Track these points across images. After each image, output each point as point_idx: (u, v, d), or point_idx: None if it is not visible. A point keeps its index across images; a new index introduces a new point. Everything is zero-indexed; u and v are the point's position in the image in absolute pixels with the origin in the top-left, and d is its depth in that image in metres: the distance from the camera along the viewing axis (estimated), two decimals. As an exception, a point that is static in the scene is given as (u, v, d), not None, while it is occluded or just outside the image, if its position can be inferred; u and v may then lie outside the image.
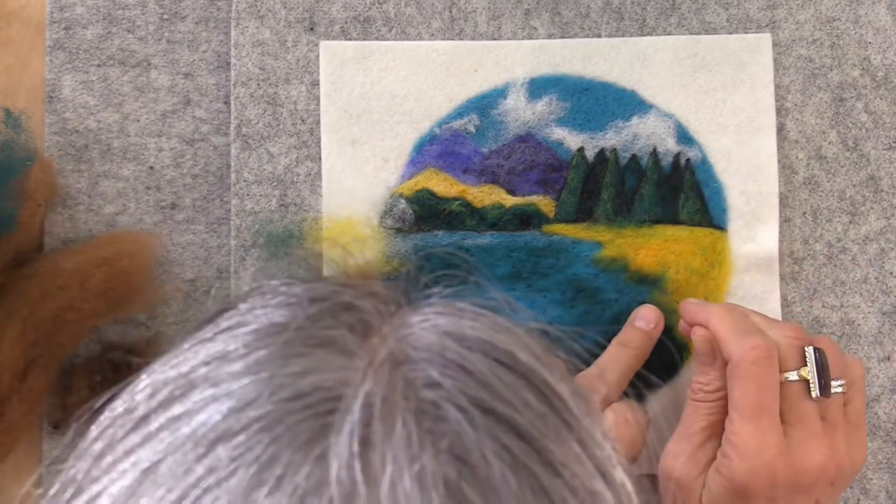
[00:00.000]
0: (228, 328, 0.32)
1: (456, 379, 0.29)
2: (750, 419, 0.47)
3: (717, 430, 0.50)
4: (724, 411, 0.50)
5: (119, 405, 0.31)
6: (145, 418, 0.30)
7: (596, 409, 0.33)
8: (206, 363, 0.30)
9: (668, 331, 0.56)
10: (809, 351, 0.49)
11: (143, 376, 0.32)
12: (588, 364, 0.56)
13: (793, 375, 0.49)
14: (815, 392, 0.48)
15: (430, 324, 0.31)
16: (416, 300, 0.33)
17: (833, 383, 0.49)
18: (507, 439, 0.28)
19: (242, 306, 0.32)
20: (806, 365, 0.49)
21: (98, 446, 0.30)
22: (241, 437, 0.28)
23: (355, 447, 0.27)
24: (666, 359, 0.56)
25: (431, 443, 0.27)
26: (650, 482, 0.57)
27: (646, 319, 0.54)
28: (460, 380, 0.29)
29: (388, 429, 0.27)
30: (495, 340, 0.31)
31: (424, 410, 0.28)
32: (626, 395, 0.56)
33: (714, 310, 0.51)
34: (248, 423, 0.28)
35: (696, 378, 0.51)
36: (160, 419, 0.29)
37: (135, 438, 0.29)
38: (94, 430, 0.31)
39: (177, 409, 0.29)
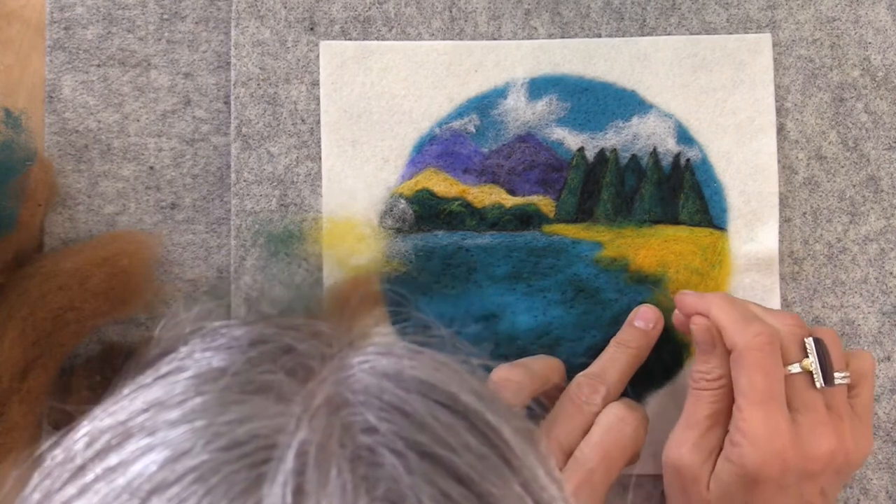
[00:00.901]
0: (168, 373, 0.31)
1: (393, 422, 0.29)
2: (759, 406, 0.47)
3: (720, 418, 0.50)
4: (727, 399, 0.50)
5: (58, 454, 0.31)
6: (82, 468, 0.29)
7: (542, 448, 0.32)
8: (144, 410, 0.30)
9: (669, 330, 0.56)
10: (810, 342, 0.49)
11: (84, 423, 0.31)
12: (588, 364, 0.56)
13: (795, 368, 0.49)
14: (819, 382, 0.49)
15: (369, 365, 0.31)
16: (359, 340, 0.33)
17: (837, 374, 0.50)
18: (445, 483, 0.28)
19: (183, 350, 0.32)
20: (807, 356, 0.49)
21: (36, 497, 0.30)
22: (176, 489, 0.27)
23: (289, 497, 0.26)
24: (667, 358, 0.56)
25: (366, 490, 0.27)
26: (651, 483, 0.57)
27: (644, 319, 0.54)
28: (398, 423, 0.29)
29: (323, 477, 0.27)
30: (436, 381, 0.31)
31: (360, 456, 0.28)
32: (626, 394, 0.56)
33: (714, 299, 0.51)
34: (184, 473, 0.28)
35: (697, 367, 0.51)
36: (96, 469, 0.29)
37: (71, 490, 0.29)
38: (35, 478, 0.31)
39: (113, 460, 0.29)
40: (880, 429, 0.57)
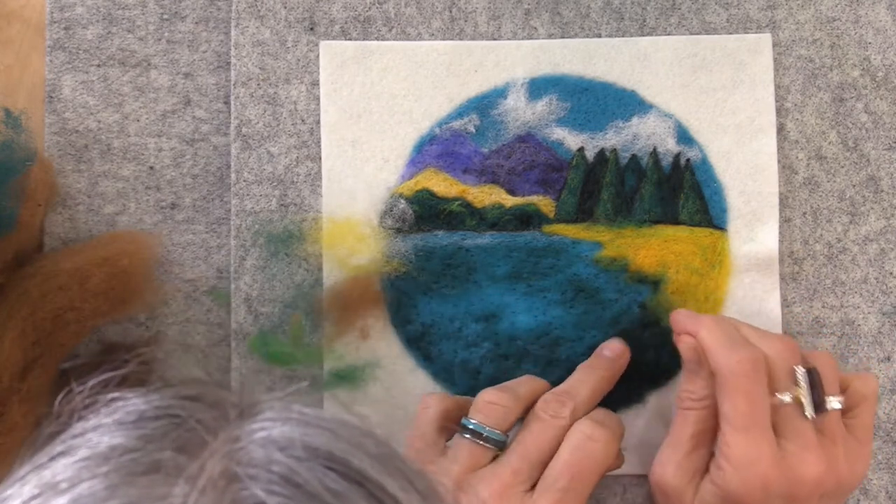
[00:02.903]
0: (61, 454, 0.31)
1: (283, 495, 0.29)
2: (741, 431, 0.48)
3: (705, 437, 0.50)
4: (713, 419, 0.50)
5: None
6: None
7: None
8: (35, 496, 0.30)
9: (667, 333, 0.56)
10: (800, 371, 0.49)
11: None
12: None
13: (786, 397, 0.49)
14: (809, 413, 0.49)
15: (261, 435, 0.31)
16: (253, 407, 0.33)
17: (830, 399, 0.49)
18: None
19: (77, 427, 0.32)
20: (798, 385, 0.49)
21: None
22: None
23: None
24: (667, 358, 0.56)
25: None
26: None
27: (612, 349, 0.55)
28: (288, 495, 0.29)
29: None
30: (330, 447, 0.31)
31: None
32: (626, 393, 0.56)
33: (703, 320, 0.51)
34: None
35: (683, 386, 0.51)
36: None
37: None
38: None
39: None
40: (880, 429, 0.57)
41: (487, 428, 0.50)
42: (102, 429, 0.31)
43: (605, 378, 0.53)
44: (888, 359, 0.57)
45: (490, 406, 0.51)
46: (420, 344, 0.56)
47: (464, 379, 0.55)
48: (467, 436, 0.50)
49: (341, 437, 0.31)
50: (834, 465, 0.49)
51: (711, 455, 0.50)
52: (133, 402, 0.32)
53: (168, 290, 0.57)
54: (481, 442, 0.50)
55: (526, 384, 0.53)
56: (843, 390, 0.51)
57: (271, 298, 0.56)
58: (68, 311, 0.52)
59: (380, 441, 0.33)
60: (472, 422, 0.50)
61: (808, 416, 0.48)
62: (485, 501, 0.48)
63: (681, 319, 0.52)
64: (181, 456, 0.30)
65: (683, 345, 0.51)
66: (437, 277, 0.56)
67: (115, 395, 0.33)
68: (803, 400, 0.49)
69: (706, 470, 0.49)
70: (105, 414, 0.32)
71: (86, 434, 0.32)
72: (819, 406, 0.49)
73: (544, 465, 0.49)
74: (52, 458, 0.31)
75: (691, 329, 0.51)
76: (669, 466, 0.50)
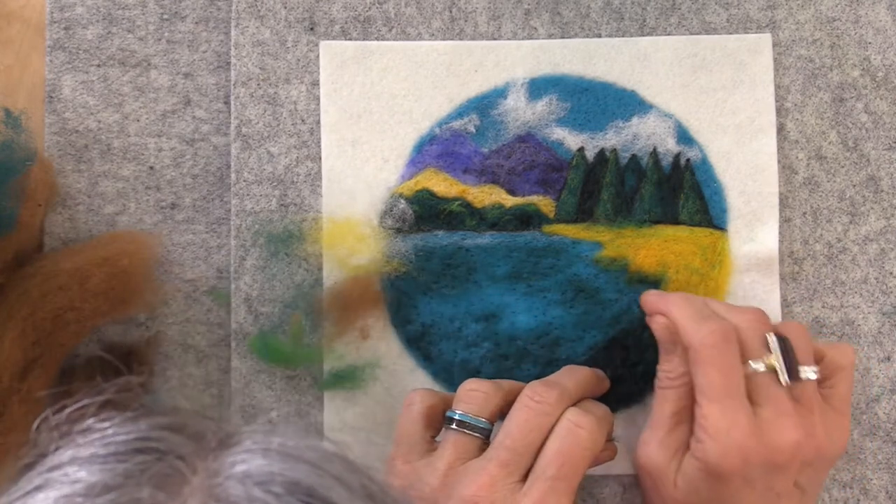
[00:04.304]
0: (38, 488, 0.30)
1: None
2: (716, 401, 0.48)
3: (685, 415, 0.50)
4: (691, 396, 0.50)
5: None
6: None
7: None
8: None
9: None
10: (772, 338, 0.50)
11: None
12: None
13: (759, 365, 0.49)
14: (783, 378, 0.49)
15: (240, 469, 0.30)
16: (233, 438, 0.32)
17: (805, 368, 0.50)
18: None
19: (54, 458, 0.31)
20: (771, 352, 0.49)
21: None
22: None
23: None
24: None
25: None
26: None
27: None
28: None
29: None
30: (309, 482, 0.30)
31: None
32: (625, 393, 0.56)
33: (672, 298, 0.52)
34: None
35: (660, 366, 0.52)
36: None
37: None
38: None
39: None
40: (880, 429, 0.57)
41: (470, 416, 0.50)
42: (80, 462, 0.31)
43: (592, 375, 0.54)
44: (888, 359, 0.57)
45: (471, 394, 0.51)
46: (420, 344, 0.56)
47: (464, 379, 0.55)
48: (453, 426, 0.50)
49: (323, 470, 0.31)
50: (812, 433, 0.49)
51: (689, 434, 0.50)
52: (111, 433, 0.32)
53: (168, 290, 0.57)
54: (466, 431, 0.50)
55: (510, 382, 0.53)
56: (819, 360, 0.52)
57: (271, 298, 0.56)
58: (68, 311, 0.52)
59: (363, 473, 0.32)
60: (456, 412, 0.50)
61: (783, 383, 0.49)
62: (474, 495, 0.47)
63: (650, 300, 0.53)
64: (160, 493, 0.29)
65: (656, 324, 0.52)
66: (437, 277, 0.56)
67: (92, 423, 0.32)
68: (777, 366, 0.49)
69: (688, 447, 0.50)
70: (83, 444, 0.31)
71: (63, 467, 0.31)
72: (793, 373, 0.49)
73: (532, 455, 0.49)
74: (28, 493, 0.30)
75: (662, 308, 0.52)
76: (651, 445, 0.51)
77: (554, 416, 0.50)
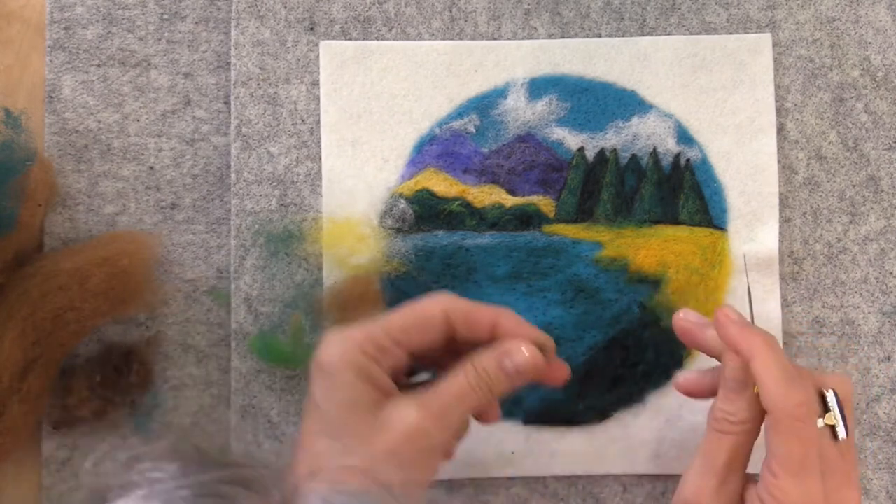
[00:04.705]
0: None
1: None
2: (794, 475, 0.46)
3: (738, 464, 0.48)
4: (748, 443, 0.48)
5: None
6: None
7: None
8: None
9: (669, 330, 0.56)
10: (831, 396, 0.47)
11: None
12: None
13: (820, 422, 0.47)
14: (841, 434, 0.47)
15: None
16: (297, 493, 0.32)
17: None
18: None
19: None
20: (828, 409, 0.47)
21: None
22: None
23: None
24: (667, 358, 0.56)
25: None
26: (651, 483, 0.57)
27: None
28: None
29: None
30: None
31: None
32: (626, 393, 0.56)
33: (759, 346, 0.47)
34: None
35: (720, 405, 0.48)
36: None
37: None
38: None
39: None
40: (880, 429, 0.57)
41: None
42: None
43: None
44: (888, 359, 0.57)
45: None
46: (420, 344, 0.56)
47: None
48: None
49: None
50: (859, 493, 0.47)
51: (743, 481, 0.48)
52: (173, 484, 0.31)
53: (168, 290, 0.57)
54: None
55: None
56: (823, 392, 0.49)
57: (271, 298, 0.56)
58: (68, 311, 0.52)
59: None
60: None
61: (840, 439, 0.47)
62: None
63: (732, 333, 0.48)
64: None
65: (732, 364, 0.48)
66: (437, 277, 0.56)
67: (151, 468, 0.31)
68: (836, 423, 0.47)
69: (740, 499, 0.48)
70: (145, 494, 0.31)
71: None
72: (848, 428, 0.47)
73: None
74: None
75: (743, 348, 0.47)
76: (706, 494, 0.48)
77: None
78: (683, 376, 0.51)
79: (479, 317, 0.48)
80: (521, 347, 0.48)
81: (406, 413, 0.45)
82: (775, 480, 0.46)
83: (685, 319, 0.51)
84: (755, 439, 0.48)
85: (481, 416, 0.50)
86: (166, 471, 0.32)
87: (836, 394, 0.47)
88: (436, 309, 0.48)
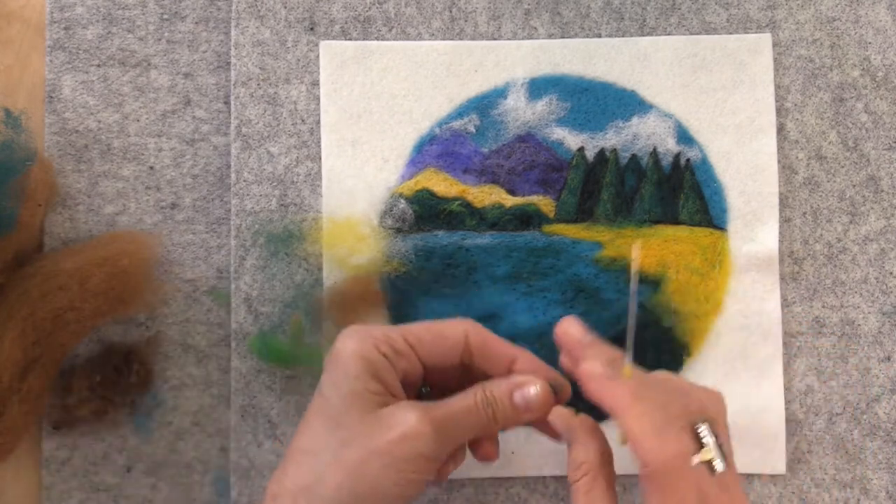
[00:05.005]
0: None
1: None
2: None
3: (608, 488, 0.47)
4: (598, 482, 0.46)
5: None
6: None
7: None
8: None
9: (669, 330, 0.56)
10: (704, 430, 0.45)
11: None
12: None
13: (694, 460, 0.44)
14: (719, 468, 0.45)
15: None
16: None
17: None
18: None
19: None
20: (704, 443, 0.45)
21: None
22: None
23: None
24: (664, 362, 0.56)
25: None
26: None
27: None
28: None
29: None
30: None
31: None
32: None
33: (624, 398, 0.45)
34: None
35: (573, 457, 0.47)
36: None
37: None
38: None
39: None
40: (880, 429, 0.57)
41: None
42: None
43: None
44: (888, 359, 0.57)
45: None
46: (420, 344, 0.56)
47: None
48: None
49: None
50: None
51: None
52: None
53: (168, 290, 0.57)
54: None
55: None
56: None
57: (271, 298, 0.56)
58: (68, 311, 0.52)
59: None
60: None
61: (718, 471, 0.44)
62: None
63: (595, 389, 0.47)
64: None
65: (559, 419, 0.48)
66: (437, 277, 0.56)
67: None
68: (714, 457, 0.44)
69: None
70: None
71: None
72: (727, 459, 0.45)
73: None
74: None
75: (608, 404, 0.46)
76: None
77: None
78: (569, 324, 0.50)
79: (499, 349, 0.49)
80: (536, 384, 0.48)
81: (408, 415, 0.45)
82: None
83: (566, 333, 0.50)
84: (607, 466, 0.47)
85: (480, 449, 0.50)
86: None
87: (708, 424, 0.45)
88: (458, 329, 0.49)
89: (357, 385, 0.46)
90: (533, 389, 0.48)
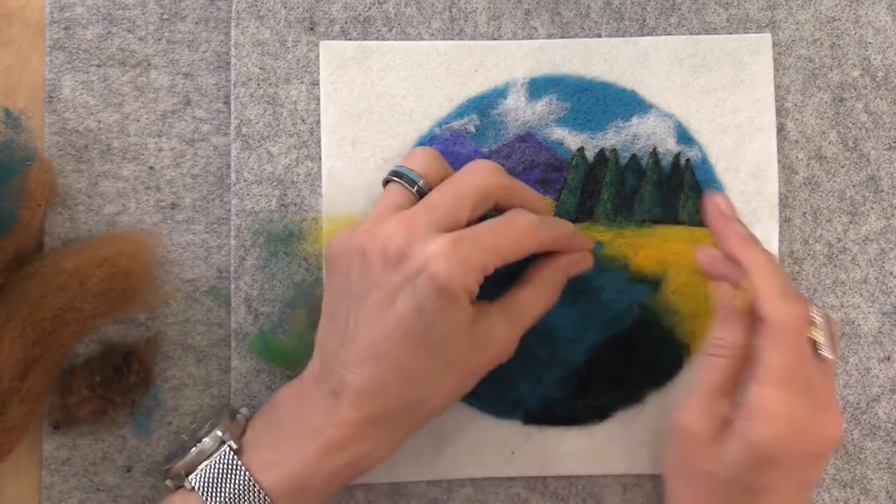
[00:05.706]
0: None
1: None
2: (780, 386, 0.46)
3: (727, 385, 0.49)
4: (736, 367, 0.49)
5: None
6: None
7: None
8: None
9: (669, 330, 0.56)
10: (817, 312, 0.48)
11: None
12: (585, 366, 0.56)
13: (812, 330, 0.48)
14: (825, 353, 0.48)
15: None
16: None
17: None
18: None
19: None
20: (815, 326, 0.48)
21: None
22: None
23: None
24: (667, 358, 0.56)
25: None
26: (651, 483, 0.57)
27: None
28: None
29: None
30: None
31: None
32: (626, 393, 0.56)
33: (758, 258, 0.49)
34: None
35: (715, 332, 0.50)
36: None
37: None
38: None
39: None
40: (880, 429, 0.57)
41: (407, 169, 0.51)
42: None
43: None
44: (888, 359, 0.57)
45: (416, 156, 0.52)
46: (420, 344, 0.56)
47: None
48: (395, 178, 0.51)
49: None
50: (841, 422, 0.48)
51: (731, 405, 0.48)
52: None
53: (168, 290, 0.57)
54: (404, 183, 0.51)
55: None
56: None
57: (271, 298, 0.56)
58: (68, 311, 0.52)
59: None
60: (398, 167, 0.52)
61: (826, 358, 0.47)
62: (391, 233, 0.48)
63: (733, 245, 0.50)
64: None
65: (722, 288, 0.50)
66: (437, 277, 0.56)
67: None
68: (822, 340, 0.48)
69: (728, 421, 0.48)
70: None
71: None
72: (835, 347, 0.48)
73: (459, 216, 0.49)
74: None
75: (743, 260, 0.49)
76: (693, 412, 0.48)
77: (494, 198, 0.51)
78: (707, 252, 0.52)
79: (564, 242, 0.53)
80: (588, 257, 0.54)
81: (500, 331, 0.50)
82: (760, 390, 0.46)
83: (715, 203, 0.53)
84: (741, 366, 0.49)
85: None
86: None
87: (826, 317, 0.49)
88: (533, 245, 0.50)
89: (461, 315, 0.47)
90: (585, 265, 0.54)
